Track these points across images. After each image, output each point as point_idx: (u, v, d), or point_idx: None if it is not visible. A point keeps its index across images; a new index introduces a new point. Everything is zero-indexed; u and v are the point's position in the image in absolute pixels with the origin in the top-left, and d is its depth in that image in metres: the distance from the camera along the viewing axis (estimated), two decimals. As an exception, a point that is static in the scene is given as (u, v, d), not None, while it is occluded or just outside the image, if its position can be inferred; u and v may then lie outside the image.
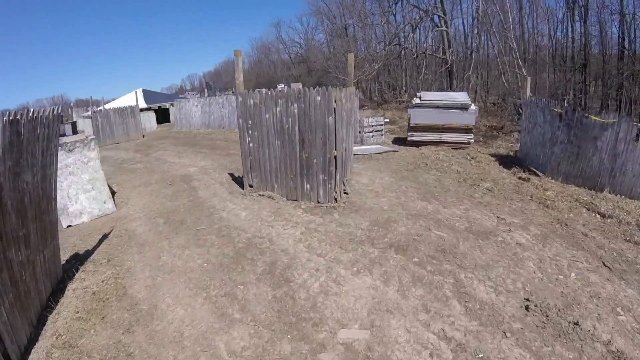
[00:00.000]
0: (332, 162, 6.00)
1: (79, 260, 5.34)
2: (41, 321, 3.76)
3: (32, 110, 3.66)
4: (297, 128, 6.13)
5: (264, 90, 6.42)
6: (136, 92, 18.74)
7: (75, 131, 25.78)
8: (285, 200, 6.70)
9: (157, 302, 4.04)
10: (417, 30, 27.14)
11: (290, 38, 51.65)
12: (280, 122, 6.30)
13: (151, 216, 6.79)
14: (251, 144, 6.85)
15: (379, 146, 11.16)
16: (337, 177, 6.20)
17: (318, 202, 6.35)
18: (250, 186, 7.30)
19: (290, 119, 6.16)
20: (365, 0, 32.21)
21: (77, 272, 4.80)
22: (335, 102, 5.83)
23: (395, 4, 28.86)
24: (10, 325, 3.09)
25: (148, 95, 25.59)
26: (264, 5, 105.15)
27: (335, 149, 5.96)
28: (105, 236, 6.14)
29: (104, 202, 7.25)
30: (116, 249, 5.55)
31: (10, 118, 3.30)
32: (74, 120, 17.39)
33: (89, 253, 5.54)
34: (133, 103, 18.81)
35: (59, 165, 6.92)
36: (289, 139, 6.28)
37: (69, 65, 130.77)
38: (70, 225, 6.94)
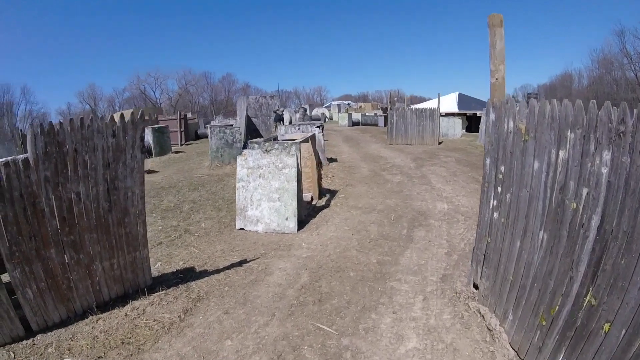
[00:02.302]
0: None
1: (187, 277, 4.62)
2: (84, 316, 3.64)
3: (82, 117, 3.49)
4: (595, 218, 2.15)
5: (536, 103, 2.71)
6: (438, 95, 16.77)
7: (385, 124, 27.58)
8: (511, 353, 2.84)
9: None
10: None
11: (636, 51, 34.71)
12: (560, 188, 2.47)
13: (311, 266, 4.78)
14: (495, 215, 3.31)
15: None
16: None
17: None
18: (475, 287, 3.79)
19: (584, 190, 2.24)
20: None
21: (164, 290, 4.18)
22: None
23: None
24: (35, 302, 3.34)
25: (463, 100, 23.30)
26: (603, 9, 76.44)
27: None
28: (241, 263, 4.98)
29: (286, 219, 5.88)
30: (214, 289, 4.27)
31: (46, 128, 3.20)
32: (384, 114, 17.68)
33: (202, 274, 4.70)
34: (448, 106, 17.17)
35: (250, 164, 6.15)
36: (568, 239, 2.37)
37: (410, 64, 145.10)
38: (242, 229, 6.25)
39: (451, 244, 5.32)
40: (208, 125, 12.42)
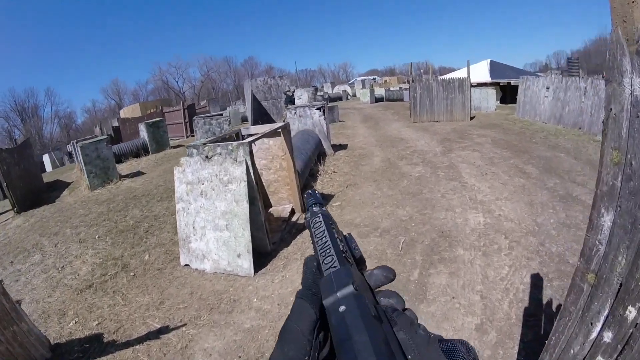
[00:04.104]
0: None
1: (90, 351, 3.47)
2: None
3: None
4: None
5: None
6: (467, 62, 13.69)
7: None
8: None
9: None
10: None
11: None
12: None
13: (248, 353, 2.94)
14: None
15: None
16: None
17: None
18: None
19: None
20: None
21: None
22: None
23: None
24: None
25: (495, 68, 20.05)
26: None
27: None
28: (159, 333, 3.52)
29: (238, 256, 4.03)
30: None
31: None
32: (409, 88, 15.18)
33: (107, 348, 3.47)
34: (479, 75, 14.42)
35: (189, 177, 4.26)
36: None
37: (436, 34, 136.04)
38: (187, 265, 4.52)
39: (488, 302, 3.23)
40: (194, 117, 10.68)
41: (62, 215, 8.15)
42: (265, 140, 5.26)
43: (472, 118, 14.08)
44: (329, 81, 56.19)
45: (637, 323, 1.10)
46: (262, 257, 4.36)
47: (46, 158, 22.58)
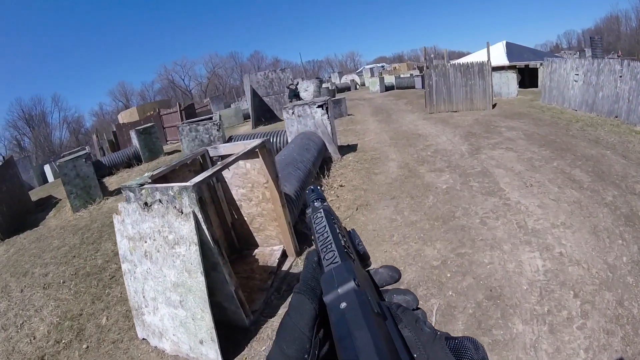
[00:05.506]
0: None
1: None
2: None
3: None
4: None
5: None
6: (487, 44, 11.97)
7: (423, 85, 22.42)
8: None
9: None
10: None
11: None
12: None
13: None
14: None
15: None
16: None
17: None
18: None
19: None
20: None
21: None
22: None
23: None
24: None
25: (512, 50, 18.31)
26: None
27: None
28: None
29: (200, 343, 2.81)
30: None
31: None
32: (420, 74, 13.65)
33: None
34: (496, 58, 12.81)
35: (129, 231, 2.74)
36: None
37: (442, 17, 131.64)
38: (146, 340, 3.29)
39: None
40: (179, 123, 9.49)
41: (37, 247, 7.30)
42: (241, 163, 3.98)
43: (494, 106, 12.51)
44: (337, 71, 54.31)
45: None
46: (237, 335, 3.13)
47: (47, 168, 21.75)
